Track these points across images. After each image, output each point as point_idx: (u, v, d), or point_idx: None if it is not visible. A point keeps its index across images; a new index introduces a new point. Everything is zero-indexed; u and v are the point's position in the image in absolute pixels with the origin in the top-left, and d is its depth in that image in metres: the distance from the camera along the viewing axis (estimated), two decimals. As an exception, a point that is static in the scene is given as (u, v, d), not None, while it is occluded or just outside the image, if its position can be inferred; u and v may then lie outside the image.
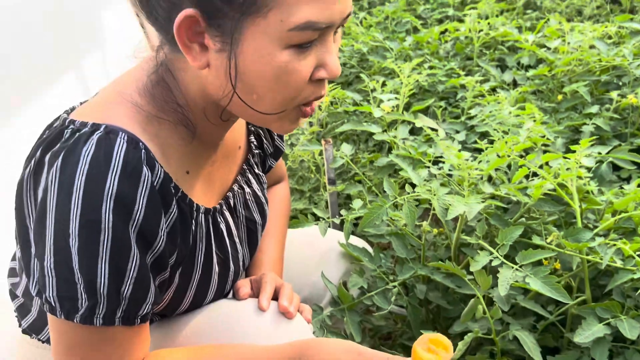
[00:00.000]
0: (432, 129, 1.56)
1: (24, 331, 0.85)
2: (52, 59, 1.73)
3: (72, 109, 0.75)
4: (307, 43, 0.63)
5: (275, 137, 1.01)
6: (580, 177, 1.03)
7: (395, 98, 1.60)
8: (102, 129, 0.66)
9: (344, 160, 1.37)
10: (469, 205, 0.90)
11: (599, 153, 1.13)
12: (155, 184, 0.67)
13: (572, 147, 0.99)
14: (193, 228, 0.77)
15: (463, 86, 1.82)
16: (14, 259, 0.87)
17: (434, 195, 0.96)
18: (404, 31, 2.35)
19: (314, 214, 1.13)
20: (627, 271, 0.85)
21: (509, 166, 1.16)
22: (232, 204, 0.87)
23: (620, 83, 1.59)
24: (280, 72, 0.63)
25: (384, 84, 1.79)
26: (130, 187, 0.64)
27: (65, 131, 0.67)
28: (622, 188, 1.29)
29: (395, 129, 1.48)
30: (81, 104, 0.76)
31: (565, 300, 0.82)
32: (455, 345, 0.96)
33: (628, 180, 1.36)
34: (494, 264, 0.88)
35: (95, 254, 0.63)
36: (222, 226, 0.84)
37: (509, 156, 1.05)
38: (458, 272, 0.94)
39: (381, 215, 0.95)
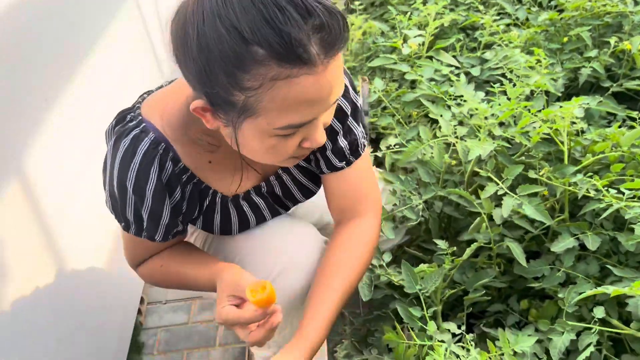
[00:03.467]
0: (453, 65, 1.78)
1: None
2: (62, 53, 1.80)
3: (149, 92, 0.98)
4: (291, 133, 0.76)
5: (329, 150, 1.00)
6: (573, 123, 1.28)
7: (421, 35, 1.79)
8: (141, 127, 0.90)
9: (377, 94, 1.61)
10: (484, 148, 1.17)
11: (587, 104, 1.36)
12: (162, 177, 0.92)
13: (565, 104, 1.22)
14: (206, 204, 1.02)
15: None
16: None
17: (457, 140, 1.21)
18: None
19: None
20: (595, 201, 1.13)
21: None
22: (263, 191, 1.07)
23: (622, 29, 1.78)
24: (270, 149, 0.79)
25: (409, 17, 1.97)
26: (143, 178, 0.90)
27: (128, 116, 0.92)
28: (609, 125, 1.54)
29: (420, 66, 1.69)
30: (157, 88, 0.98)
31: (547, 221, 1.11)
32: (463, 250, 1.27)
33: (615, 116, 1.60)
34: (499, 193, 1.16)
35: (124, 205, 0.94)
36: (246, 207, 1.07)
37: (517, 104, 1.30)
38: (469, 197, 1.22)
39: (417, 154, 1.22)
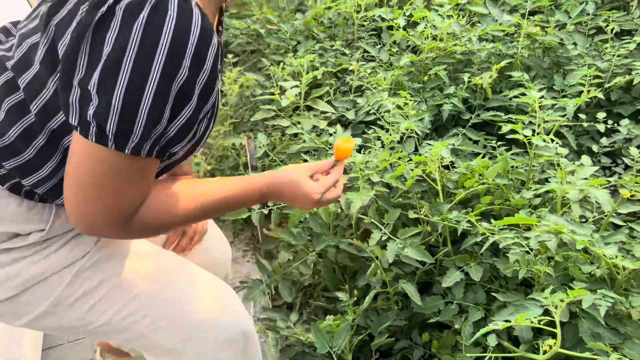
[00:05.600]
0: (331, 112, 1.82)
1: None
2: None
3: None
4: None
5: None
6: (442, 158, 1.36)
7: (297, 86, 1.82)
8: None
9: (264, 149, 1.60)
10: (364, 198, 1.20)
11: (453, 144, 1.46)
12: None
13: (434, 146, 1.30)
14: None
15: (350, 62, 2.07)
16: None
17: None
18: (293, 9, 2.52)
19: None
20: (473, 235, 1.20)
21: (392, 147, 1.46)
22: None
23: (472, 63, 1.93)
24: None
25: (283, 68, 2.00)
26: (206, 19, 0.72)
27: None
28: (475, 153, 1.65)
29: (298, 114, 1.72)
30: None
31: (428, 260, 1.16)
32: (362, 291, 1.28)
33: (478, 143, 1.72)
34: (383, 239, 1.19)
35: (166, 99, 0.71)
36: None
37: (391, 149, 1.35)
38: (362, 245, 1.25)
39: (304, 214, 1.22)
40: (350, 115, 1.85)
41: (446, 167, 1.49)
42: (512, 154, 1.51)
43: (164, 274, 1.02)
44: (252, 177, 0.95)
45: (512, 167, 1.44)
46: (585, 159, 1.26)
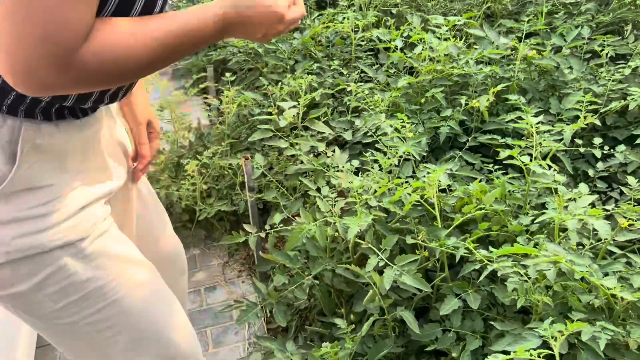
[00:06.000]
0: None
1: None
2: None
3: None
4: None
5: None
6: (439, 182, 1.35)
7: (295, 107, 1.82)
8: None
9: (261, 170, 1.59)
10: (362, 224, 1.19)
11: (451, 169, 1.45)
12: None
13: (431, 171, 1.29)
14: None
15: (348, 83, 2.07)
16: None
17: (337, 218, 1.23)
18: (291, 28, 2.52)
19: (243, 229, 1.35)
20: (471, 262, 1.19)
21: (390, 171, 1.46)
22: None
23: (469, 86, 1.94)
24: None
25: (281, 87, 1.99)
26: None
27: None
28: (473, 179, 1.65)
29: (296, 135, 1.71)
30: None
31: (426, 289, 1.15)
32: (358, 316, 1.26)
33: (474, 166, 1.72)
34: (380, 265, 1.18)
35: None
36: None
37: (389, 172, 1.34)
38: (360, 271, 1.23)
39: (301, 238, 1.21)
40: (347, 136, 1.85)
41: (443, 190, 1.49)
42: (509, 178, 1.50)
43: (149, 289, 0.96)
44: (207, 4, 0.80)
45: (509, 192, 1.43)
46: (583, 186, 1.26)
